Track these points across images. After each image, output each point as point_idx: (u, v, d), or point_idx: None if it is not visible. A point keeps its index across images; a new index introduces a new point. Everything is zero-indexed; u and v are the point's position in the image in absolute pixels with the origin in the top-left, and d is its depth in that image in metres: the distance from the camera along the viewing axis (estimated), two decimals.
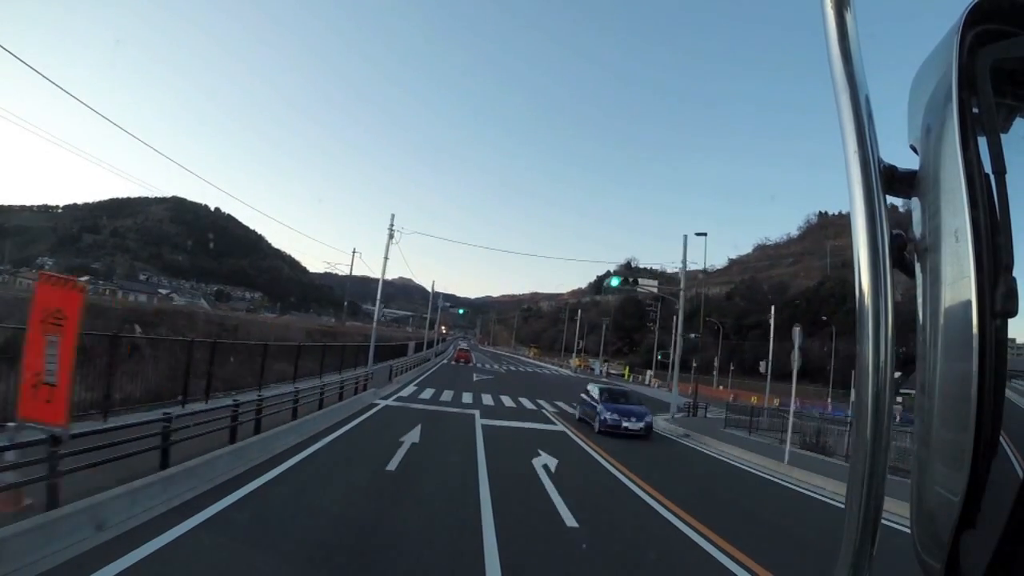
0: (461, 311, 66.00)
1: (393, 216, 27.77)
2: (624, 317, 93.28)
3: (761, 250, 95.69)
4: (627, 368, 67.07)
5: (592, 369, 66.59)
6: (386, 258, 27.70)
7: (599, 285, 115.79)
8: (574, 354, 77.14)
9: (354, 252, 49.30)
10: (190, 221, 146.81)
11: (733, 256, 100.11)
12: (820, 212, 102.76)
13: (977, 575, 0.59)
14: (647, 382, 59.08)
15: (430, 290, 57.95)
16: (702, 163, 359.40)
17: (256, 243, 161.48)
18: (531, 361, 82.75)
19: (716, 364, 57.20)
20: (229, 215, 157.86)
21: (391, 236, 27.37)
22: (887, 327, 0.63)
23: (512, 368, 54.65)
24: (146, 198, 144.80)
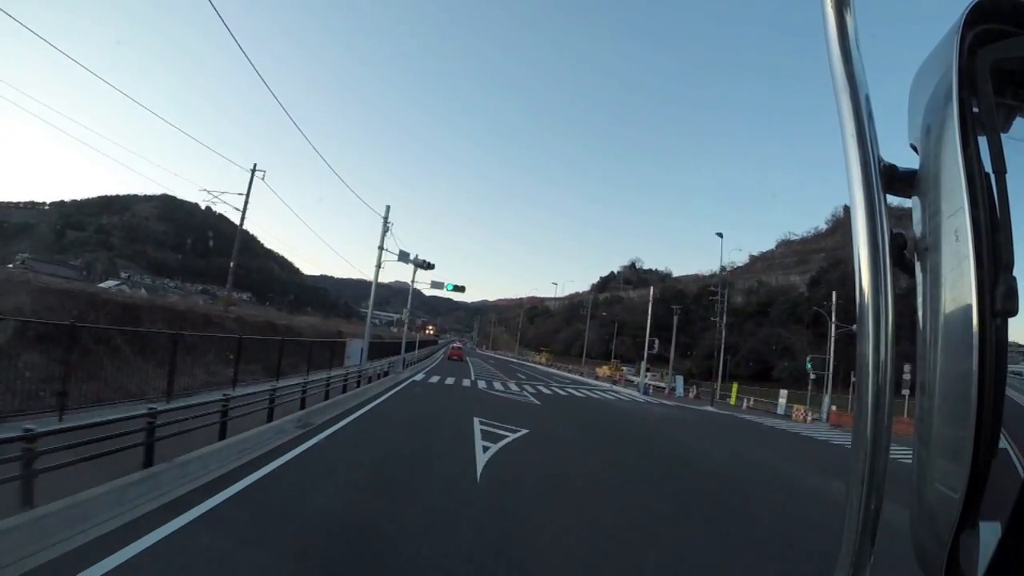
0: (450, 286, 33.60)
1: None
2: (663, 314, 75.96)
3: (786, 246, 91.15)
4: (735, 388, 42.95)
5: (671, 389, 42.87)
6: None
7: (602, 287, 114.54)
8: (638, 364, 55.40)
9: (254, 170, 30.72)
10: (179, 219, 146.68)
11: (755, 253, 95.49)
12: (846, 206, 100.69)
13: (977, 575, 0.60)
14: (783, 410, 35.16)
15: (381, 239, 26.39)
16: (701, 167, 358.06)
17: (247, 243, 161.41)
18: (552, 372, 59.03)
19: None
20: (220, 214, 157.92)
21: None
22: (887, 327, 0.65)
23: (543, 389, 30.16)
24: (136, 196, 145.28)
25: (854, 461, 0.65)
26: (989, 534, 0.60)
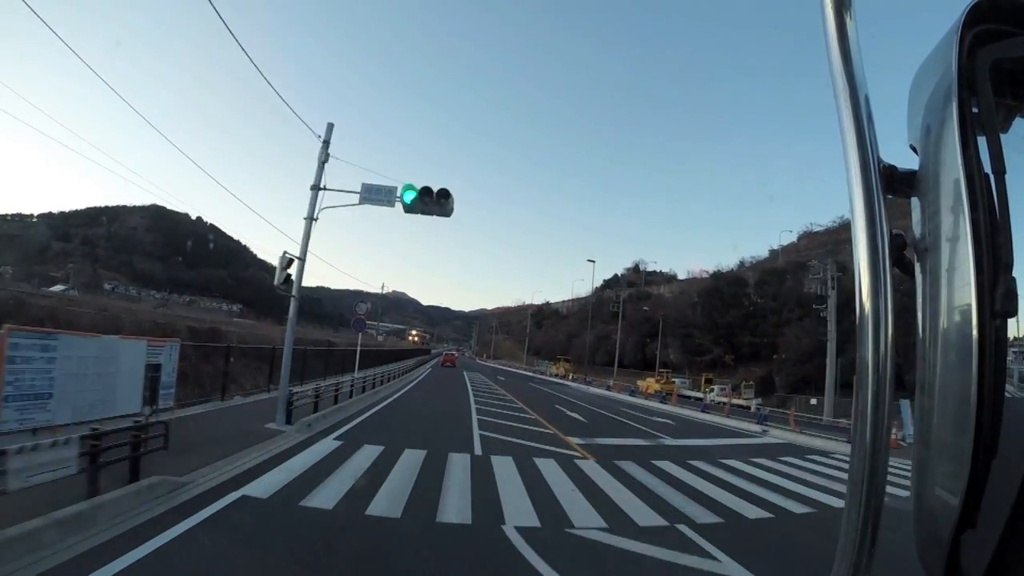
0: (407, 191, 11.01)
1: None
2: (717, 309, 62.31)
3: (810, 237, 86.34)
4: None
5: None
6: None
7: (606, 289, 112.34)
8: (696, 376, 48.15)
9: None
10: (168, 230, 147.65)
11: (775, 246, 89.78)
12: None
13: (977, 575, 0.62)
14: None
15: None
16: (699, 169, 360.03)
17: (238, 253, 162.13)
18: (602, 394, 38.83)
19: None
20: (212, 224, 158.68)
21: None
22: (887, 327, 0.66)
23: (701, 486, 9.58)
24: (125, 206, 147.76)
25: (854, 461, 0.66)
26: (989, 535, 0.61)
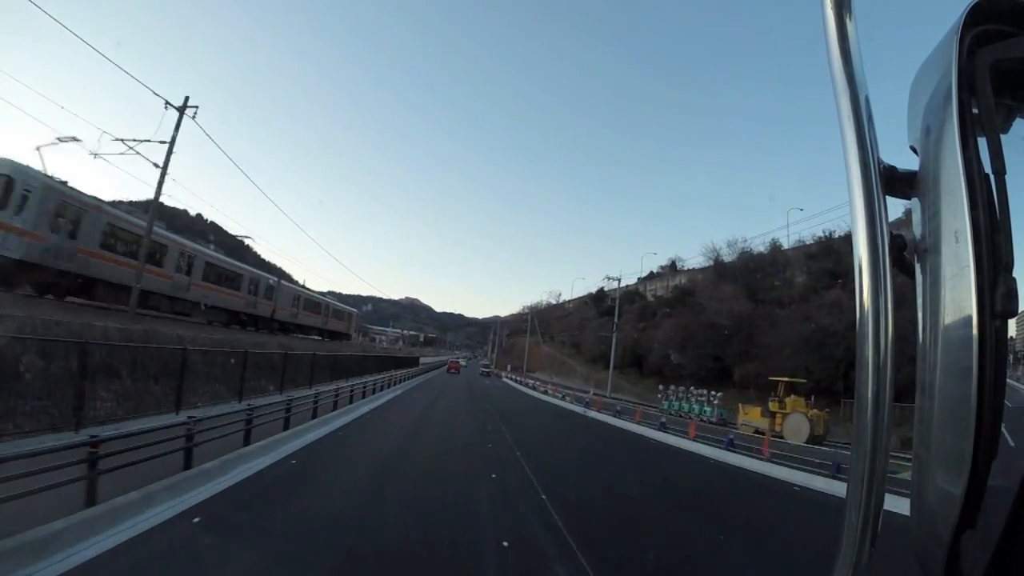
0: None
1: None
2: None
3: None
4: None
5: None
6: None
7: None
8: None
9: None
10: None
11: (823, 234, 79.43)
12: None
13: (977, 575, 0.66)
14: None
15: None
16: (703, 170, 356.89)
17: (239, 252, 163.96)
18: None
19: None
20: (213, 222, 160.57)
21: None
22: (887, 327, 0.71)
23: None
24: (121, 202, 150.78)
25: (854, 461, 0.71)
26: (989, 535, 0.65)
